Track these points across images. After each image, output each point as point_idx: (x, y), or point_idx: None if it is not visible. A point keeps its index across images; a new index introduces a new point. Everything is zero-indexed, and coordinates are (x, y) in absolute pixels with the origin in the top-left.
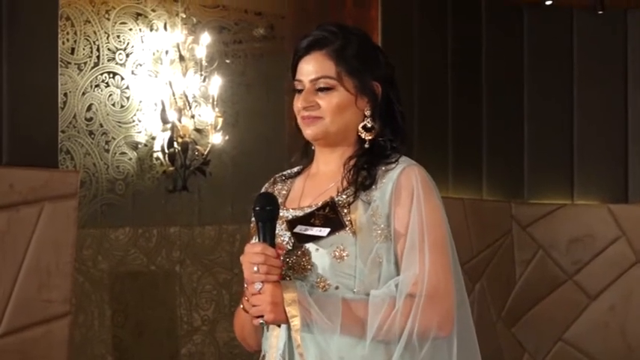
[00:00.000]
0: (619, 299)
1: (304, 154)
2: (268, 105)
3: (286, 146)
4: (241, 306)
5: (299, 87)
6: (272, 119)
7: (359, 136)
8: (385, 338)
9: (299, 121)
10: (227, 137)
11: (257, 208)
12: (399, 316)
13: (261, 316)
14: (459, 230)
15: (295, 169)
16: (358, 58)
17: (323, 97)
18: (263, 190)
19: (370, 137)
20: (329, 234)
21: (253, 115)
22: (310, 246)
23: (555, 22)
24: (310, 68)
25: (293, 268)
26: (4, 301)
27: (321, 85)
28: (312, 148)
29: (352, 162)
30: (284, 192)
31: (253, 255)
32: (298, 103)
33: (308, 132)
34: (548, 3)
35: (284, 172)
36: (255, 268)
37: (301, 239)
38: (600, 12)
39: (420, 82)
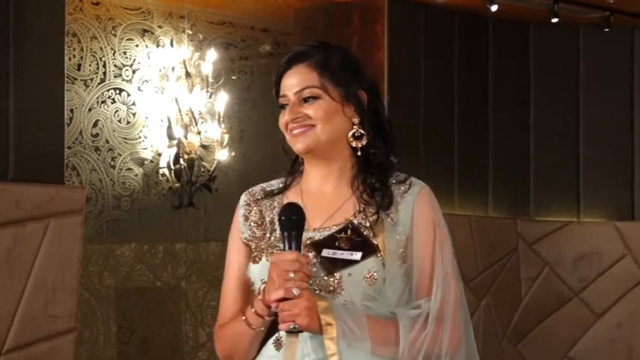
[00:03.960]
0: (625, 317)
1: (292, 172)
2: (274, 121)
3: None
4: (243, 318)
5: (284, 102)
6: (278, 135)
7: (351, 149)
8: (411, 357)
9: (287, 137)
10: (233, 153)
11: (283, 218)
12: (429, 338)
13: (292, 322)
14: (465, 247)
15: (275, 184)
16: (341, 68)
17: (309, 107)
18: (242, 203)
19: (361, 145)
20: (362, 258)
21: (259, 132)
22: (343, 271)
23: (562, 40)
24: (294, 81)
25: (320, 290)
26: (10, 317)
27: (307, 95)
28: (300, 167)
29: (359, 180)
30: (276, 209)
31: (288, 262)
32: (285, 117)
33: (299, 145)
34: (554, 20)
35: (262, 186)
36: (292, 275)
37: (335, 264)
38: (606, 30)
39: (426, 99)
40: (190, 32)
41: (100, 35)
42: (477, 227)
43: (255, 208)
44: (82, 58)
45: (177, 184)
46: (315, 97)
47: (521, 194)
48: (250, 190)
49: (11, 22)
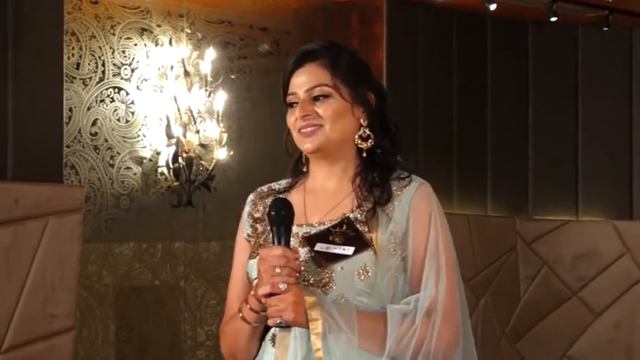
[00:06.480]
0: (624, 316)
1: (296, 170)
2: (273, 120)
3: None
4: (240, 315)
5: (293, 100)
6: (277, 134)
7: (357, 149)
8: (400, 353)
9: (295, 136)
10: (232, 152)
11: (272, 213)
12: (418, 332)
13: (279, 317)
14: (464, 246)
15: (283, 183)
16: (352, 69)
17: (320, 106)
18: (248, 201)
19: (367, 147)
20: (354, 253)
21: (258, 131)
22: (335, 265)
23: (560, 39)
24: (304, 79)
25: (313, 284)
26: (8, 316)
27: (318, 94)
28: (304, 168)
29: (361, 177)
30: None
31: (274, 257)
32: (294, 114)
33: (307, 145)
34: (553, 19)
35: (270, 185)
36: (278, 270)
37: (328, 258)
38: (605, 29)
39: (425, 98)
40: (189, 31)
41: (98, 34)
42: (476, 226)
43: (260, 206)
44: (80, 56)
45: (176, 183)
46: (326, 96)
47: (519, 193)
48: (258, 189)
49: (10, 20)
